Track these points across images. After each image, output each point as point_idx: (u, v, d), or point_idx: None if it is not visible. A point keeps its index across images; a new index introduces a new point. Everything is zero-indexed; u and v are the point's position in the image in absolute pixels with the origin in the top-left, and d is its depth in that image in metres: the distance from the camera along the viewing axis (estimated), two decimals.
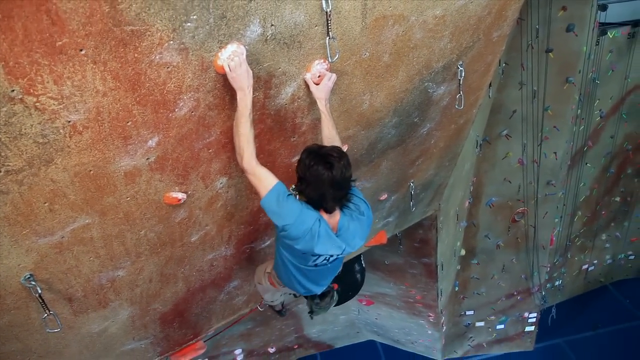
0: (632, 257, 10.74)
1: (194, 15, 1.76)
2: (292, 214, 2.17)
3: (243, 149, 2.11)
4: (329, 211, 2.25)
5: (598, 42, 7.64)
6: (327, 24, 2.09)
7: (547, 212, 8.30)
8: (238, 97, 2.04)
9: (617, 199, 9.83)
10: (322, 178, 2.09)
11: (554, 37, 7.05)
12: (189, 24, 1.78)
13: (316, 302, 2.91)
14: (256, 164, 2.16)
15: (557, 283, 9.89)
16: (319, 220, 2.22)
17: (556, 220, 8.60)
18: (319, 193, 2.16)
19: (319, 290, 2.70)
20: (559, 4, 6.81)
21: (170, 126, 2.05)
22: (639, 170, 9.58)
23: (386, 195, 3.95)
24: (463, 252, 8.06)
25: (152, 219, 2.41)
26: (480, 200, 8.08)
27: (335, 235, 2.30)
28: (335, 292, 2.94)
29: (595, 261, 10.41)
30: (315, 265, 2.43)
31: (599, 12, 7.27)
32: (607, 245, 10.34)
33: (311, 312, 3.03)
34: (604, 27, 7.54)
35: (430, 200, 4.83)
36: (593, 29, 7.30)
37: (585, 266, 10.34)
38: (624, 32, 7.83)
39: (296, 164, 2.21)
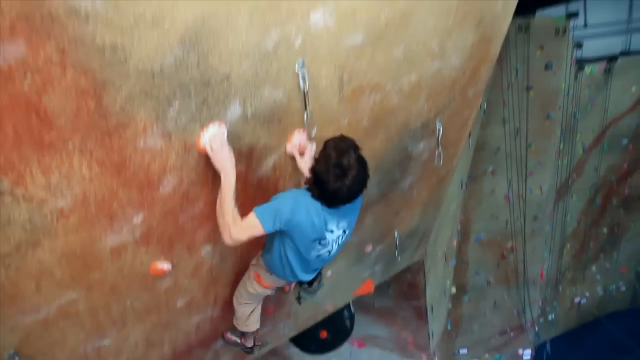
0: (623, 288, 10.79)
1: (176, 103, 1.85)
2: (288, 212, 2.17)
3: (229, 225, 2.14)
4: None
5: (576, 77, 7.85)
6: (305, 101, 2.19)
7: (535, 247, 8.39)
8: (222, 177, 2.10)
9: (605, 230, 9.96)
10: (338, 194, 2.11)
11: (533, 75, 7.30)
12: (171, 111, 1.86)
13: (304, 287, 2.88)
14: (240, 231, 2.17)
15: (549, 317, 9.88)
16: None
17: (545, 254, 8.69)
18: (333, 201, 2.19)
19: (308, 278, 2.68)
20: (537, 44, 7.08)
21: (155, 203, 2.12)
22: (623, 201, 9.74)
23: (371, 247, 4.01)
24: (454, 291, 8.08)
25: (137, 289, 2.44)
26: (468, 237, 8.16)
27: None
28: (321, 275, 2.88)
29: (587, 294, 10.44)
30: (318, 256, 2.42)
31: (575, 49, 7.55)
32: (598, 277, 10.40)
33: (299, 299, 3.04)
34: (581, 63, 7.78)
35: (416, 247, 4.90)
36: (570, 66, 7.56)
37: (577, 299, 10.37)
38: (600, 68, 8.08)
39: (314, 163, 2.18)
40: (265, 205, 2.18)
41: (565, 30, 6.90)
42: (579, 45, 7.46)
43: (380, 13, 2.25)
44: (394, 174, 3.34)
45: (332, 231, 2.33)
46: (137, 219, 2.11)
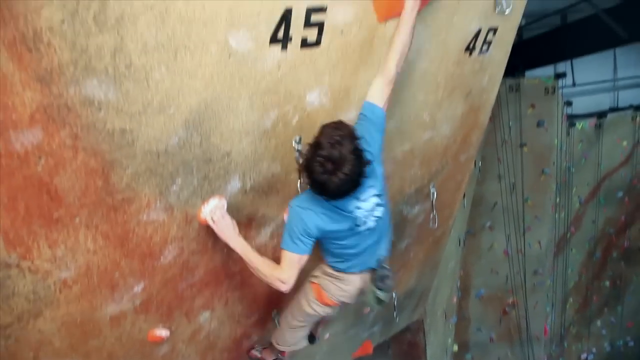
0: (630, 343, 10.55)
1: (179, 179, 1.96)
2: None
3: (273, 275, 2.14)
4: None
5: (569, 133, 8.06)
6: (300, 175, 2.30)
7: (537, 302, 8.30)
8: (231, 246, 2.17)
9: (607, 283, 9.87)
10: (325, 188, 1.93)
11: (526, 132, 7.52)
12: (174, 187, 1.97)
13: (378, 285, 2.45)
14: (285, 272, 2.12)
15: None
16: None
17: (548, 309, 8.57)
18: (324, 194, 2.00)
19: (383, 252, 2.42)
20: (528, 102, 7.35)
21: (156, 272, 2.18)
22: (624, 254, 9.72)
23: (369, 309, 4.01)
24: (456, 348, 7.93)
25: (135, 356, 2.45)
26: (469, 293, 8.10)
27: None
28: (389, 270, 2.49)
29: (594, 349, 10.20)
30: (368, 230, 2.21)
31: (565, 106, 7.81)
32: (604, 331, 10.21)
33: (379, 302, 2.47)
34: (572, 120, 8.01)
35: (415, 306, 4.89)
36: (562, 123, 7.78)
37: (584, 355, 10.11)
38: (591, 124, 8.30)
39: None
40: (284, 236, 2.12)
41: (554, 90, 7.17)
42: (568, 103, 7.74)
43: None
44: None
45: (358, 208, 2.13)
46: (138, 288, 2.16)
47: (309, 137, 2.26)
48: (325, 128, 1.95)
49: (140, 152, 1.78)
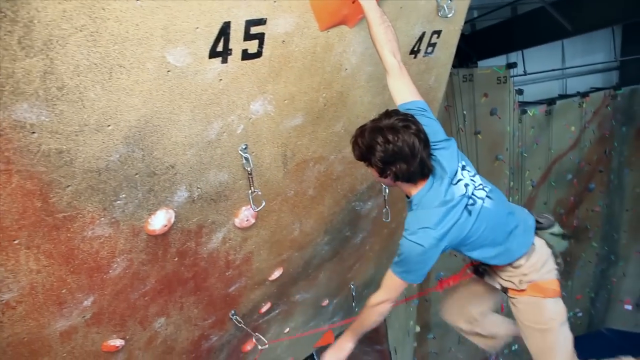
0: (580, 314, 11.19)
1: (122, 194, 1.95)
2: (431, 251, 1.92)
3: (370, 312, 2.16)
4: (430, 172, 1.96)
5: (520, 120, 8.36)
6: (250, 181, 2.33)
7: None
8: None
9: (558, 260, 10.39)
10: (413, 148, 1.83)
11: (480, 120, 7.75)
12: (118, 201, 1.96)
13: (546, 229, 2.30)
14: (385, 300, 2.09)
15: (513, 348, 10.08)
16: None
17: None
18: (417, 164, 1.87)
19: (528, 238, 2.20)
20: (481, 91, 7.57)
21: (105, 285, 2.17)
22: (573, 232, 10.20)
23: (327, 301, 4.11)
24: (418, 329, 8.19)
25: None
26: (429, 276, 8.33)
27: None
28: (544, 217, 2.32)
29: None
30: (488, 211, 2.02)
31: (516, 95, 8.09)
32: None
33: (563, 237, 2.35)
34: (523, 107, 8.30)
35: None
36: (514, 110, 8.06)
37: None
38: (541, 110, 8.62)
39: (368, 161, 1.97)
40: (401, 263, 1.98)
41: (506, 79, 7.40)
42: (520, 92, 8.01)
43: (318, 95, 2.44)
44: (344, 233, 3.49)
45: (463, 183, 2.00)
46: (88, 301, 2.15)
47: (255, 144, 2.31)
48: (363, 130, 1.94)
49: (80, 170, 1.76)
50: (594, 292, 10.98)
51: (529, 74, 8.13)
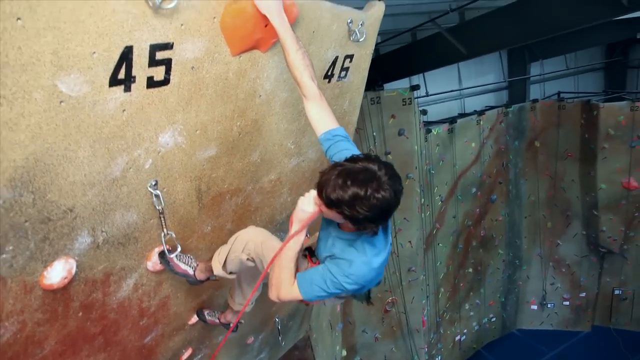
0: (493, 319, 11.86)
1: (9, 247, 1.67)
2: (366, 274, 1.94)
3: (283, 282, 1.99)
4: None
5: (426, 139, 8.79)
6: (162, 220, 2.13)
7: (414, 297, 8.89)
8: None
9: (470, 270, 10.96)
10: (389, 204, 1.74)
11: (389, 140, 8.03)
12: (4, 255, 1.67)
13: None
14: (292, 285, 1.98)
15: (437, 359, 10.41)
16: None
17: (423, 301, 9.23)
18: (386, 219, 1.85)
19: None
20: (389, 113, 7.86)
21: None
22: (481, 242, 10.87)
23: (252, 338, 3.90)
24: (344, 353, 8.14)
25: None
26: (350, 299, 8.39)
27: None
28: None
29: (465, 330, 11.25)
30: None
31: (421, 115, 8.52)
32: (472, 313, 11.30)
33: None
34: (428, 127, 8.75)
35: (299, 325, 4.88)
36: (420, 130, 8.47)
37: (458, 337, 11.10)
38: (445, 128, 9.14)
39: (345, 213, 1.75)
40: (312, 277, 1.99)
41: (410, 100, 7.76)
42: (424, 112, 8.45)
43: (232, 124, 2.32)
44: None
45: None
46: None
47: (166, 179, 2.12)
48: (325, 179, 1.81)
49: None
50: (504, 297, 11.71)
51: (431, 95, 8.62)
